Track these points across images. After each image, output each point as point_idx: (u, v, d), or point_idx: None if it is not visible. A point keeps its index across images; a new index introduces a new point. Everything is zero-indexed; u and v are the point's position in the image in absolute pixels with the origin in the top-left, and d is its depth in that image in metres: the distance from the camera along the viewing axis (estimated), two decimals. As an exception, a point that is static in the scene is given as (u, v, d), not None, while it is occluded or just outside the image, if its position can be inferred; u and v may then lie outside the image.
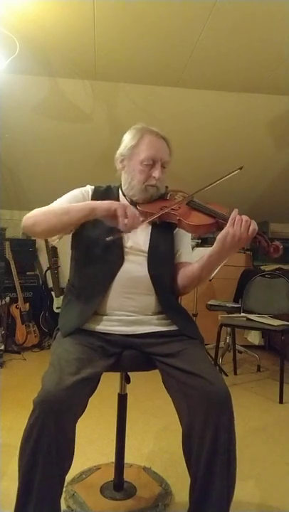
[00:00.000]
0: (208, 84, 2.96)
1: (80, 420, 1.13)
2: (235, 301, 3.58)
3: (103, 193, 1.45)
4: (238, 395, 2.73)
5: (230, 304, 3.41)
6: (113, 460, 1.57)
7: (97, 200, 1.34)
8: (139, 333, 1.32)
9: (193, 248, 2.20)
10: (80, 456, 1.29)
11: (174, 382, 1.22)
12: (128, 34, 2.43)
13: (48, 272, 4.16)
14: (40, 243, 4.19)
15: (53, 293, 4.00)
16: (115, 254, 1.33)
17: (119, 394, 1.54)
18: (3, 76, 2.76)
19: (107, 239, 1.21)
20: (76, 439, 1.14)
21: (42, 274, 4.28)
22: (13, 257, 3.76)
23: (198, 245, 3.60)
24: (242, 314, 3.10)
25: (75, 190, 1.43)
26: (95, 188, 1.45)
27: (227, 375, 3.14)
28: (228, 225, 1.21)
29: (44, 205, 1.31)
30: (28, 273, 4.06)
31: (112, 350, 1.29)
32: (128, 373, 1.48)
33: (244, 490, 1.63)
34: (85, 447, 1.88)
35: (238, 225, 1.19)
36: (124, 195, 1.45)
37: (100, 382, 1.23)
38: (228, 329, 3.43)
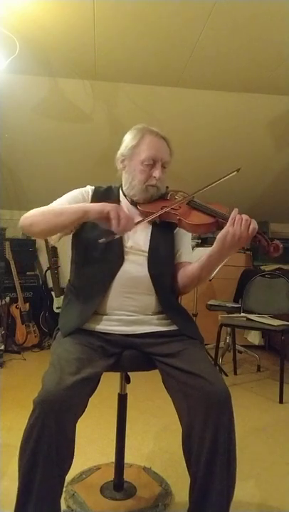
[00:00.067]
0: (208, 84, 2.96)
1: (80, 420, 1.13)
2: (235, 301, 3.58)
3: (103, 193, 1.44)
4: (238, 395, 2.73)
5: (230, 304, 3.40)
6: (113, 460, 1.57)
7: (98, 200, 1.34)
8: (139, 333, 1.32)
9: (193, 248, 2.19)
10: (80, 456, 1.28)
11: (174, 382, 1.22)
12: (128, 34, 2.43)
13: (48, 272, 4.15)
14: (41, 243, 4.19)
15: (53, 293, 4.00)
16: (115, 254, 1.33)
17: (119, 394, 1.54)
18: (3, 76, 2.76)
19: (100, 241, 1.20)
20: (76, 439, 1.13)
21: (42, 274, 4.27)
22: (13, 257, 3.75)
23: (198, 245, 3.60)
24: (242, 314, 3.09)
25: (75, 191, 1.43)
26: (95, 188, 1.45)
27: (227, 375, 3.13)
28: (228, 224, 1.20)
29: (44, 205, 1.31)
30: (28, 273, 4.05)
31: (112, 350, 1.29)
32: (128, 373, 1.48)
33: (244, 490, 1.63)
34: (85, 447, 1.88)
35: (238, 224, 1.19)
36: (124, 196, 1.45)
37: (100, 382, 1.23)
38: (228, 329, 3.43)
